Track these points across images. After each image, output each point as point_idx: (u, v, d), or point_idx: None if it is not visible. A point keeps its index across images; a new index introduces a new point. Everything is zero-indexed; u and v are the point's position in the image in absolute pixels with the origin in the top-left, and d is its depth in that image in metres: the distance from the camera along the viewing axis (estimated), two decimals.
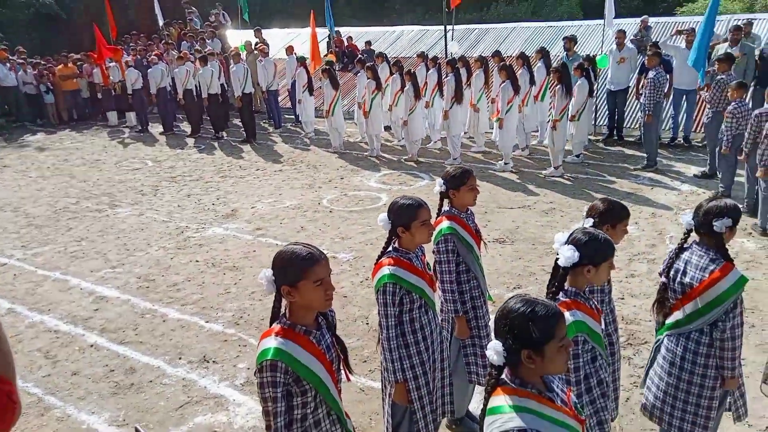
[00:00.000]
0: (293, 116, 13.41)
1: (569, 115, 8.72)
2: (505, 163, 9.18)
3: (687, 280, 2.74)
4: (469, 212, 3.30)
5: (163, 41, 15.60)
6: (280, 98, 13.79)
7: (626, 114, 10.57)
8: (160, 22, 16.52)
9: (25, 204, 8.77)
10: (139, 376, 4.37)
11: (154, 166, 10.62)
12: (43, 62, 15.59)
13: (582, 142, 9.46)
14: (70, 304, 5.62)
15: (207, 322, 5.12)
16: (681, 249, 2.82)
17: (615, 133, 10.44)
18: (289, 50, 13.44)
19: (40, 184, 9.82)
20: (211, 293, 5.64)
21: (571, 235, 2.32)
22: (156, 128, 13.64)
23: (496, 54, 10.22)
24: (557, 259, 2.28)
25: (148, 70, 12.96)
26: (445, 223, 3.18)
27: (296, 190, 8.76)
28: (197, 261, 6.40)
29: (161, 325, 5.11)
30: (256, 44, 13.83)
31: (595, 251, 2.27)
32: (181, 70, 12.58)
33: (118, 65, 13.76)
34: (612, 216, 2.76)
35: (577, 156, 9.38)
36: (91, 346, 4.84)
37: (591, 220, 2.67)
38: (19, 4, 20.40)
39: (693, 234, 2.81)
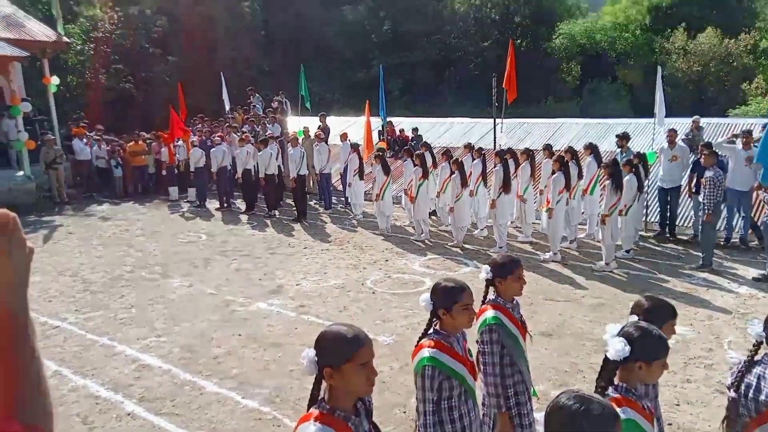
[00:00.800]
0: (343, 198, 13.81)
1: (618, 210, 8.60)
2: (553, 254, 9.04)
3: (762, 397, 2.50)
4: (515, 302, 3.22)
5: (227, 124, 16.60)
6: (333, 181, 14.31)
7: (679, 212, 10.35)
8: (227, 107, 17.68)
9: (83, 270, 9.14)
10: None
11: (208, 240, 10.97)
12: (116, 139, 16.81)
13: (631, 237, 9.25)
14: (114, 370, 5.68)
15: (243, 398, 5.05)
16: (751, 362, 2.59)
17: (667, 230, 10.18)
18: (344, 137, 14.08)
19: (100, 252, 10.26)
20: (250, 368, 5.61)
21: (623, 327, 2.23)
22: (213, 204, 14.24)
23: (547, 147, 10.34)
24: (607, 351, 2.18)
25: (211, 150, 13.76)
26: (489, 313, 3.09)
27: (341, 269, 8.83)
28: (240, 335, 6.43)
29: (198, 397, 5.08)
30: (318, 128, 14.60)
31: (647, 347, 2.17)
32: (242, 151, 13.30)
33: (185, 144, 14.69)
34: (658, 315, 2.59)
35: (627, 251, 9.15)
36: (128, 414, 4.84)
37: (635, 317, 2.49)
38: (101, 88, 22.33)
39: (764, 346, 2.61)
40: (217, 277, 8.62)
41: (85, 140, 15.94)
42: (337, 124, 19.03)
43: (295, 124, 16.59)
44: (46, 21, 17.39)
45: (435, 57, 32.05)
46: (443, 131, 17.07)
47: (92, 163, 15.97)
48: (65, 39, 16.90)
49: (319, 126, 15.48)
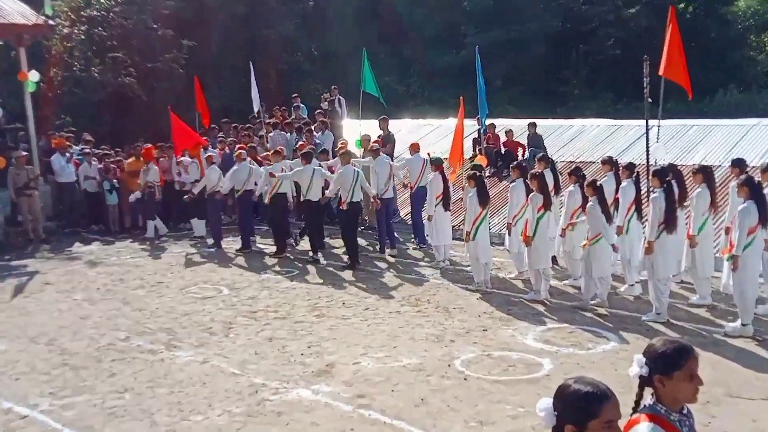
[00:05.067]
0: (414, 235, 13.97)
1: None
2: (743, 325, 8.60)
3: None
4: (685, 412, 3.06)
5: (259, 132, 17.12)
6: (403, 213, 14.36)
7: None
8: (255, 107, 18.15)
9: (63, 336, 9.54)
10: None
11: (230, 296, 11.22)
12: (110, 153, 17.59)
13: None
14: None
15: None
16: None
17: None
18: (414, 147, 14.16)
19: (86, 311, 10.69)
20: None
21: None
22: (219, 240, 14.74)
23: (738, 164, 9.95)
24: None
25: (233, 168, 14.19)
26: (643, 428, 2.95)
27: (418, 342, 8.76)
28: None
29: None
30: (379, 136, 14.81)
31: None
32: (276, 167, 13.61)
33: (197, 161, 15.18)
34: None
35: None
36: None
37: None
38: (94, 84, 23.71)
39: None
40: (241, 350, 8.74)
41: (68, 156, 16.78)
42: (411, 129, 19.24)
43: (353, 130, 16.88)
44: None
45: (555, 31, 32.01)
46: (569, 138, 16.87)
47: (78, 187, 16.80)
48: (50, 21, 18.04)
49: (380, 135, 15.65)
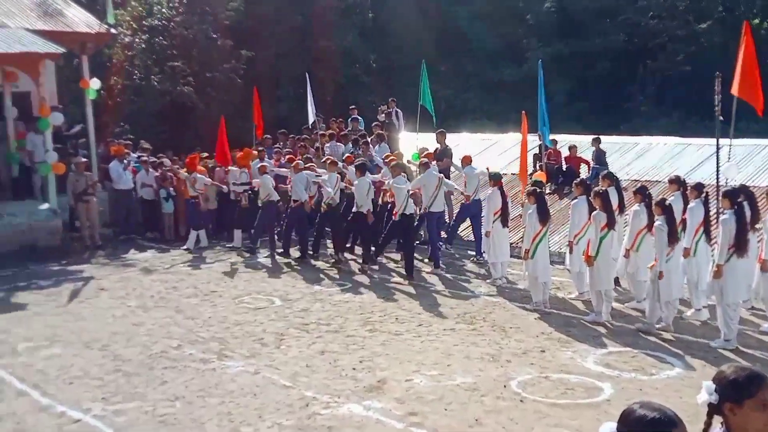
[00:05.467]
0: (473, 248, 13.95)
1: None
2: None
3: None
4: None
5: (316, 144, 17.31)
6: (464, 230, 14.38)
7: None
8: (311, 119, 18.34)
9: (116, 342, 9.75)
10: None
11: (283, 307, 11.32)
12: (167, 161, 17.94)
13: None
14: None
15: None
16: None
17: None
18: (466, 160, 14.30)
19: (139, 317, 10.91)
20: None
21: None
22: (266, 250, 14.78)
23: None
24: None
25: (294, 177, 14.41)
26: None
27: (473, 361, 8.71)
28: None
29: None
30: (435, 150, 14.87)
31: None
32: (332, 177, 13.85)
33: (246, 171, 15.52)
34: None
35: None
36: None
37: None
38: (153, 93, 24.29)
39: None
40: (293, 362, 8.80)
41: (126, 163, 17.21)
42: (469, 143, 19.18)
43: (410, 143, 16.94)
44: (89, 6, 19.28)
45: (622, 45, 31.67)
46: (634, 156, 16.66)
47: (135, 194, 17.22)
48: (113, 30, 18.57)
49: (436, 149, 15.68)
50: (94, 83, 17.44)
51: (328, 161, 14.45)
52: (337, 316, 10.71)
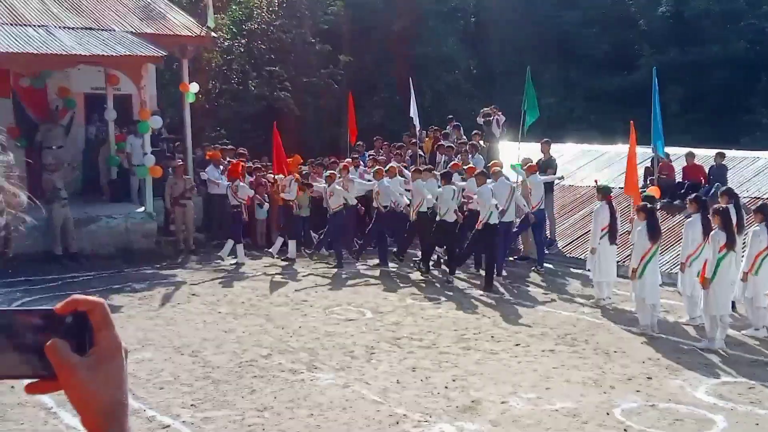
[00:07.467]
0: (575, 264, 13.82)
1: None
2: None
3: None
4: None
5: (410, 152, 17.38)
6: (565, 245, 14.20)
7: None
8: (416, 125, 18.36)
9: (206, 348, 9.98)
10: None
11: (374, 319, 11.37)
12: (261, 167, 18.33)
13: None
14: None
15: None
16: None
17: None
18: (531, 169, 14.68)
19: (230, 324, 11.15)
20: None
21: None
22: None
23: None
24: None
25: (382, 181, 14.79)
26: None
27: (573, 385, 8.54)
28: None
29: None
30: (539, 161, 14.75)
31: None
32: (418, 184, 14.26)
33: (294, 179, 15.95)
34: None
35: None
36: None
37: None
38: (250, 98, 24.88)
39: None
40: (383, 377, 8.81)
41: (221, 168, 17.64)
42: (573, 154, 18.83)
43: (512, 153, 16.75)
44: (189, 9, 19.93)
45: (742, 53, 30.51)
46: (754, 172, 16.03)
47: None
48: (213, 34, 19.15)
49: (540, 159, 15.61)
50: (193, 87, 17.98)
51: (427, 169, 14.64)
52: (429, 332, 10.68)
